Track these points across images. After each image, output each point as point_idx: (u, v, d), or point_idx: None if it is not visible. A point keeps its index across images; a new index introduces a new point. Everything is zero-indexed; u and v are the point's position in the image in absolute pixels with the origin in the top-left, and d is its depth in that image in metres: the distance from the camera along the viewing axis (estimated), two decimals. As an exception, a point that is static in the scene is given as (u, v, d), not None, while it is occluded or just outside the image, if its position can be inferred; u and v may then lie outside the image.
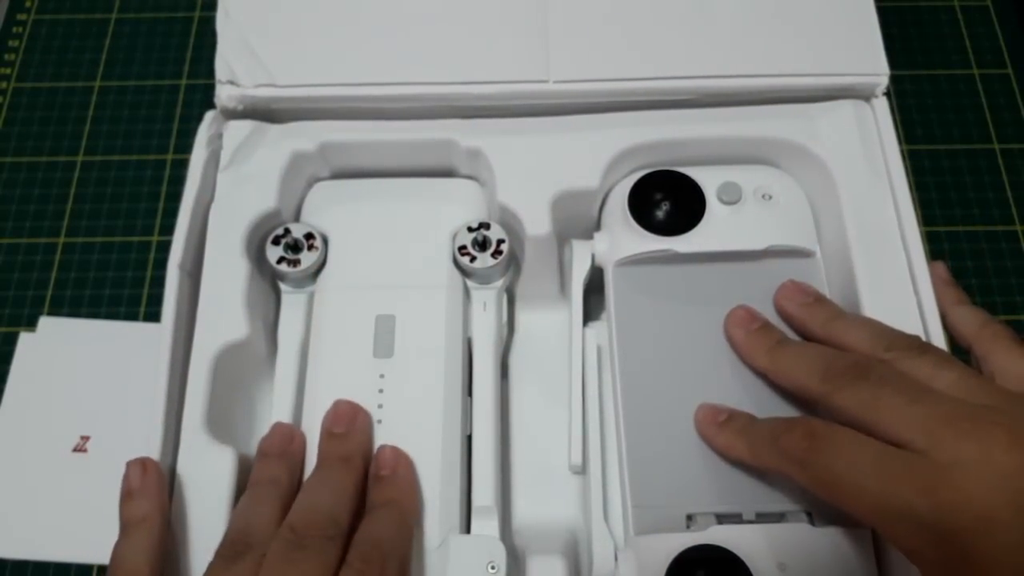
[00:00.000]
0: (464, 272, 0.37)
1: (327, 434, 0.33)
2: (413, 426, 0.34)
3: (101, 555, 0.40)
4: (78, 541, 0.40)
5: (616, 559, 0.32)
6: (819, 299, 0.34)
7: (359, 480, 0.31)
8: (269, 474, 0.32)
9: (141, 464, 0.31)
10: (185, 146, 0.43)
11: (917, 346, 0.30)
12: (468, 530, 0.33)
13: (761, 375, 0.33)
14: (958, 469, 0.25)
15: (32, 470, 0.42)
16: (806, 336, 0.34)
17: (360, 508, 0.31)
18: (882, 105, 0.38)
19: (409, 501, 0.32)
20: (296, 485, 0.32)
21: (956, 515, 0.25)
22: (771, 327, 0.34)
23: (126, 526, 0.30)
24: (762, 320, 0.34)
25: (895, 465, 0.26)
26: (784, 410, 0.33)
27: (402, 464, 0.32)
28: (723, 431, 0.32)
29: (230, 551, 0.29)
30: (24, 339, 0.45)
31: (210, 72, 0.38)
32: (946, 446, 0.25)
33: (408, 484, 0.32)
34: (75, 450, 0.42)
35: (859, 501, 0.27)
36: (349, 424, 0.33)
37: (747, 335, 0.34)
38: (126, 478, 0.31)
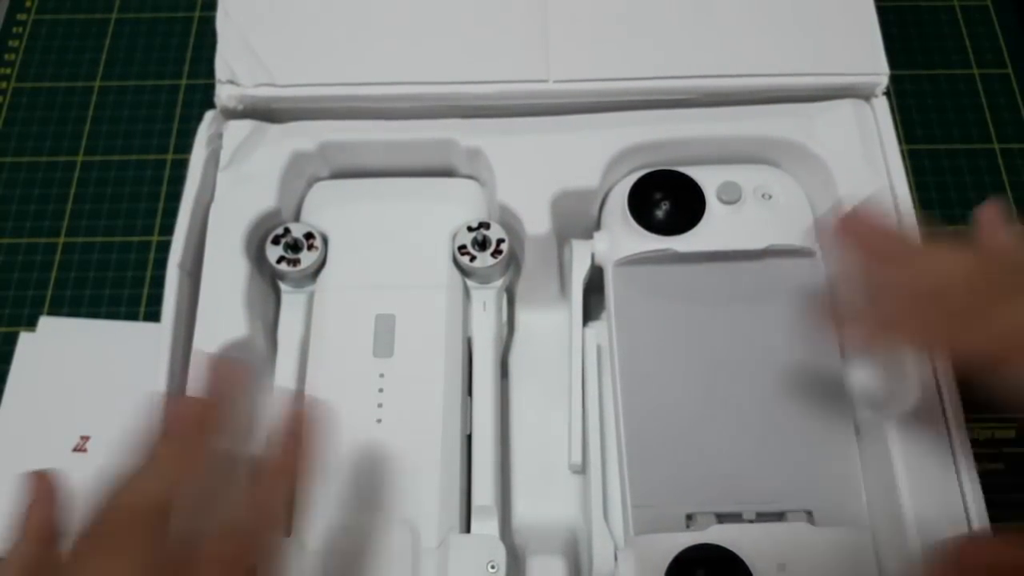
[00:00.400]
0: (464, 272, 0.37)
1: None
2: (413, 426, 0.34)
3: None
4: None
5: (616, 559, 0.32)
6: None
7: (199, 453, 0.26)
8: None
9: (38, 478, 0.28)
10: (185, 146, 0.43)
11: None
12: (468, 530, 0.33)
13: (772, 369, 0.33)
14: None
15: (32, 470, 0.42)
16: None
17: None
18: (882, 105, 0.38)
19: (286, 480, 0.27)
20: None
21: None
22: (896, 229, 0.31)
23: (23, 534, 0.26)
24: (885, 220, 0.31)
25: None
26: (787, 409, 0.33)
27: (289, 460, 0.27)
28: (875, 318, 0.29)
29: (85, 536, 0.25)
30: (24, 339, 0.45)
31: (210, 72, 0.38)
32: None
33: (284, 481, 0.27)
34: (75, 450, 0.42)
35: None
36: (214, 385, 0.27)
37: (876, 235, 0.30)
38: (27, 489, 0.28)
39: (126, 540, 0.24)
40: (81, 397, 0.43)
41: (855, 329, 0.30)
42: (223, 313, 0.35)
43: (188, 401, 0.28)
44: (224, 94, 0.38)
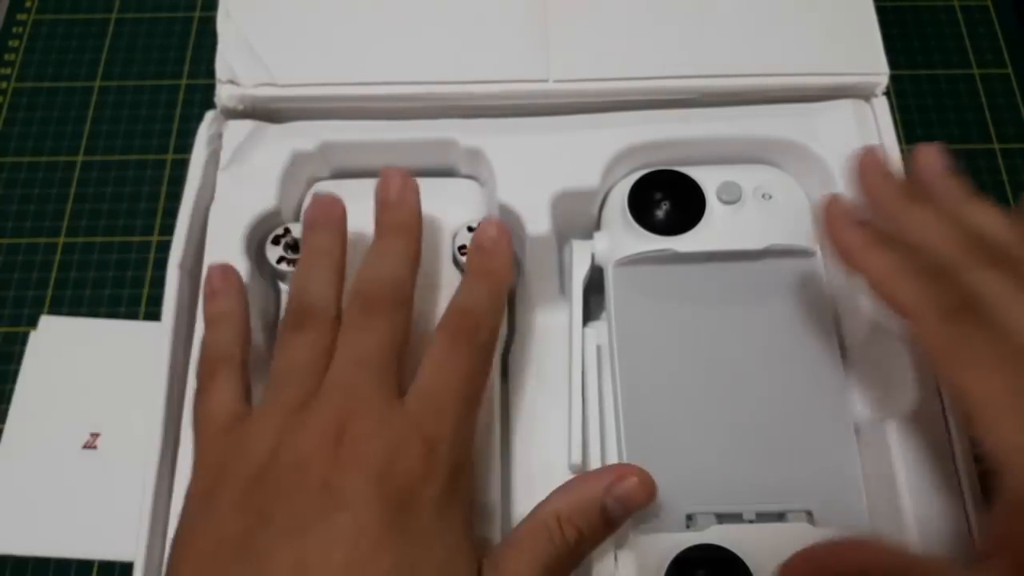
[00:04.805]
0: (464, 272, 0.37)
1: (381, 204, 0.33)
2: (413, 426, 0.33)
3: (111, 551, 0.40)
4: (90, 537, 0.40)
5: (616, 559, 0.32)
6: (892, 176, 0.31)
7: (417, 246, 0.32)
8: (319, 244, 0.32)
9: (222, 269, 0.33)
10: (185, 146, 0.43)
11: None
12: (468, 530, 0.33)
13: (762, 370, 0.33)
14: None
15: (43, 467, 0.42)
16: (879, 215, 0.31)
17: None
18: (882, 105, 0.38)
19: (506, 273, 0.33)
20: (345, 253, 0.33)
21: None
22: (897, 176, 0.31)
23: (213, 320, 0.32)
24: (889, 168, 0.32)
25: None
26: (787, 409, 0.33)
27: (504, 240, 0.33)
28: (857, 231, 0.29)
29: (294, 321, 0.30)
30: (33, 337, 0.45)
31: (210, 72, 0.38)
32: None
33: (508, 258, 0.33)
34: (85, 447, 0.42)
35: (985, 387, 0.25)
36: (401, 192, 0.33)
37: (878, 181, 0.31)
38: (209, 280, 0.33)
39: (387, 309, 0.30)
40: (88, 395, 0.44)
41: (840, 237, 0.29)
42: (223, 313, 0.35)
43: (403, 205, 0.33)
44: (224, 94, 0.38)
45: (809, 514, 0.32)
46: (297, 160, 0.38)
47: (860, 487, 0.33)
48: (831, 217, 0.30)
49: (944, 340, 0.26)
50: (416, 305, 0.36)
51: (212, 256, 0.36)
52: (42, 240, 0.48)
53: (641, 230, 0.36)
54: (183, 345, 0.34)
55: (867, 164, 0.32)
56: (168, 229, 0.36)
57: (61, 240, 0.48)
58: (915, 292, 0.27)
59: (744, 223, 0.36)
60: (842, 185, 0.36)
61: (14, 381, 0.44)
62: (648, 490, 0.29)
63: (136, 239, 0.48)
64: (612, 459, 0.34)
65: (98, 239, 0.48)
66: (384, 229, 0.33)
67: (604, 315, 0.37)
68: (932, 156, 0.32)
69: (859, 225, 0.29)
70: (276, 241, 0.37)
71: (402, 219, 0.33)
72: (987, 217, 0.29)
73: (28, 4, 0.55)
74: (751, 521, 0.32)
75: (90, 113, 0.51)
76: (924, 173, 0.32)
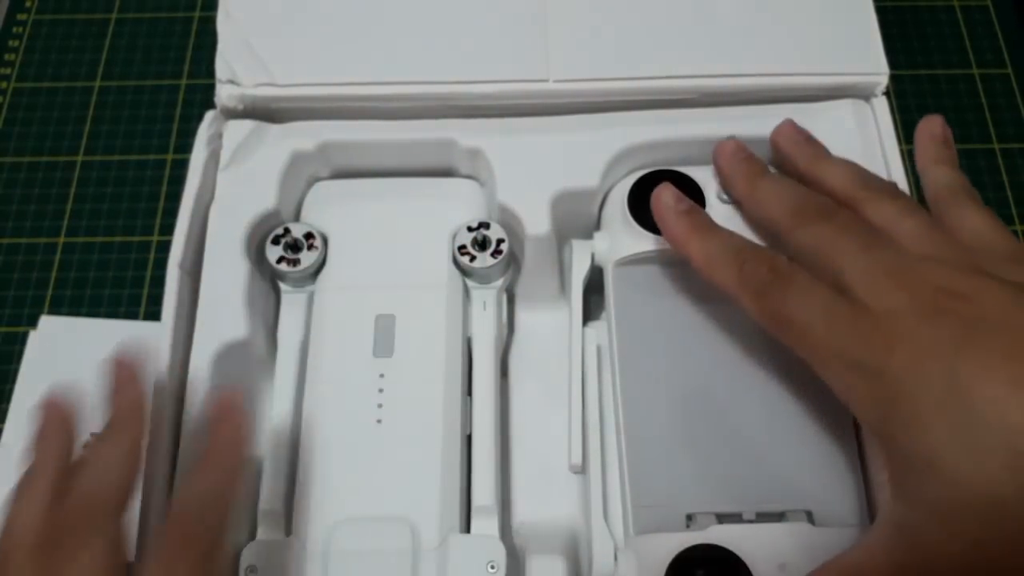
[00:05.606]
0: (464, 272, 0.37)
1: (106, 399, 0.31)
2: (413, 426, 0.34)
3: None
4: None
5: (616, 559, 0.32)
6: (810, 139, 0.35)
7: (136, 448, 0.31)
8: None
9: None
10: (185, 146, 0.43)
11: (890, 191, 0.32)
12: (468, 530, 0.33)
13: (765, 354, 0.34)
14: (891, 317, 0.26)
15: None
16: (791, 173, 0.35)
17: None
18: (882, 105, 0.38)
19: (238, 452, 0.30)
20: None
21: (887, 357, 0.26)
22: (756, 159, 0.35)
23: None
24: (748, 152, 0.35)
25: (840, 310, 0.27)
26: (787, 408, 0.33)
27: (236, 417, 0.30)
28: (682, 220, 0.32)
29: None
30: (32, 337, 0.45)
31: (210, 72, 0.38)
32: (882, 296, 0.27)
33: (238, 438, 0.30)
34: (85, 447, 0.42)
35: (803, 339, 0.28)
36: (122, 382, 0.31)
37: (732, 163, 0.35)
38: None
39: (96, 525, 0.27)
40: (90, 395, 0.43)
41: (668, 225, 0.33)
42: (223, 313, 0.35)
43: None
44: (224, 94, 0.38)
45: (809, 514, 0.32)
46: (297, 160, 0.38)
47: (860, 487, 0.33)
48: (661, 209, 0.33)
49: (766, 311, 0.29)
50: (415, 306, 0.36)
51: (212, 256, 0.36)
52: (42, 240, 0.48)
53: (641, 230, 0.36)
54: (183, 345, 0.34)
55: (722, 152, 0.35)
56: (168, 229, 0.36)
57: (61, 240, 0.48)
58: (731, 274, 0.30)
59: (744, 223, 0.36)
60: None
61: (14, 381, 0.44)
62: None
63: (136, 239, 0.48)
64: (612, 459, 0.34)
65: (98, 239, 0.48)
66: (103, 431, 0.30)
67: (604, 315, 0.37)
68: (786, 128, 0.36)
69: (684, 214, 0.32)
70: (276, 241, 0.37)
71: (121, 415, 0.31)
72: (832, 172, 0.33)
73: (28, 4, 0.55)
74: (751, 521, 0.31)
75: (90, 113, 0.52)
76: (780, 144, 0.35)
